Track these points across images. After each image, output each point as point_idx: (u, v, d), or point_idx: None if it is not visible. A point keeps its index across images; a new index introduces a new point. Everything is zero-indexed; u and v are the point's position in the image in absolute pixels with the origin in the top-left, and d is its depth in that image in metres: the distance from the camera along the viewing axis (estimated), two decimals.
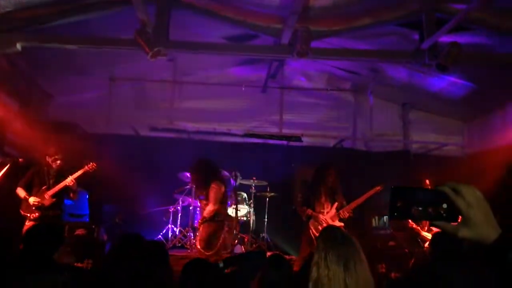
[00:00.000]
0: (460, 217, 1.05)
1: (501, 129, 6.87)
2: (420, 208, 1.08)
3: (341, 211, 5.60)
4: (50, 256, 2.92)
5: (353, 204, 5.70)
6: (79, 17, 5.04)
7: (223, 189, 5.53)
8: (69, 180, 5.53)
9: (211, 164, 5.64)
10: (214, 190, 5.42)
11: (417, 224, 5.69)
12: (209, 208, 5.40)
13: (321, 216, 5.54)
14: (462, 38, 5.06)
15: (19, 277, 2.11)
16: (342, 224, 5.52)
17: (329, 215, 5.58)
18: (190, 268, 2.52)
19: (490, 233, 1.02)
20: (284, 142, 8.43)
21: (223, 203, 5.59)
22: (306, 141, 8.29)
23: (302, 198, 5.85)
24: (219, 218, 5.47)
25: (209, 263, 2.66)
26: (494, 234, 1.02)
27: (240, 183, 7.27)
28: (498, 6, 4.73)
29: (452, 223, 1.06)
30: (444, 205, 1.06)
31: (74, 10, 4.98)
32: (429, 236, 5.53)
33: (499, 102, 6.87)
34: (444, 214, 1.07)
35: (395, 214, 1.10)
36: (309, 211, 5.59)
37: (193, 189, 7.25)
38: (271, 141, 8.41)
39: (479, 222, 1.02)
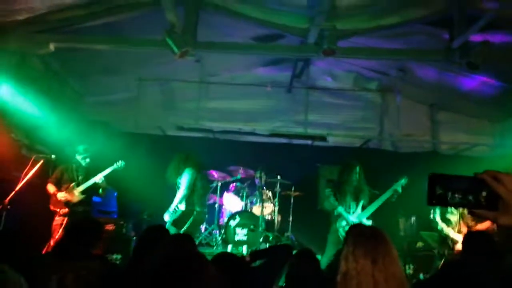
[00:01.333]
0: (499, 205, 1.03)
1: None
2: (460, 196, 1.07)
3: None
4: (88, 248, 2.99)
5: None
6: (109, 18, 5.16)
7: (195, 175, 5.47)
8: (98, 177, 5.70)
9: (183, 153, 5.63)
10: (185, 176, 5.35)
11: (447, 225, 5.56)
12: (177, 194, 5.31)
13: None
14: (494, 37, 4.94)
15: (57, 263, 2.19)
16: (369, 223, 5.48)
17: (355, 215, 5.53)
18: (216, 262, 2.53)
19: None
20: (309, 142, 8.40)
21: (195, 191, 5.49)
22: (331, 141, 8.22)
23: None
24: (191, 207, 5.39)
25: (236, 256, 2.68)
26: None
27: (265, 182, 7.29)
28: None
29: (492, 211, 1.04)
30: (484, 193, 1.05)
31: (105, 11, 5.11)
32: (459, 237, 5.40)
33: None
34: (484, 202, 1.05)
35: (434, 201, 1.09)
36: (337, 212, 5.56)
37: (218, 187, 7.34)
38: (295, 141, 8.39)
39: None
